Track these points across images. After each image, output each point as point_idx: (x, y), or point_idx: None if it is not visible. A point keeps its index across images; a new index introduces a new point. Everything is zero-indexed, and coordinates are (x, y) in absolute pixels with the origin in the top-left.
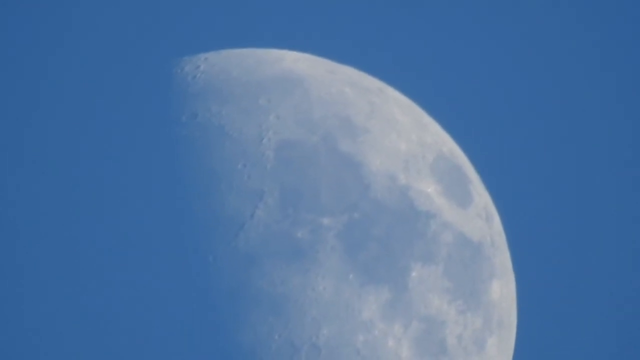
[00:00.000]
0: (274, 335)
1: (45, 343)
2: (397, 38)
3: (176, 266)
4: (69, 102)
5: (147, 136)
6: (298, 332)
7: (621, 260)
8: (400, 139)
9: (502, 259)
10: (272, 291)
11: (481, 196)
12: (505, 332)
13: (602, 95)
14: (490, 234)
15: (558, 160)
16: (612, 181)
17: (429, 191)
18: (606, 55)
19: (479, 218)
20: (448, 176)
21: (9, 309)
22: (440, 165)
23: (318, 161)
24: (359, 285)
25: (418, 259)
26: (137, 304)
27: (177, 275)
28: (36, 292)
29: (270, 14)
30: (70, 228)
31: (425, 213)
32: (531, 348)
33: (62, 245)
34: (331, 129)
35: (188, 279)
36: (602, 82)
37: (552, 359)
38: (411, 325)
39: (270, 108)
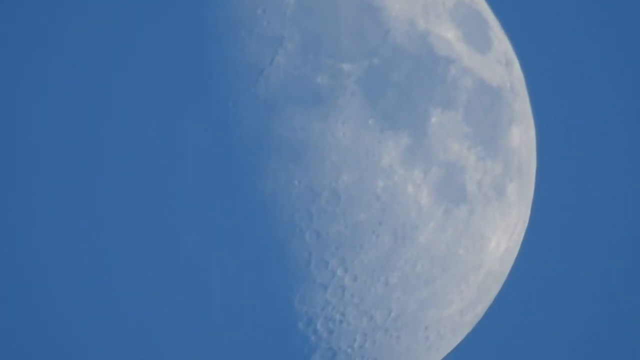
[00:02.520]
0: (293, 182)
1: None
2: None
3: (196, 113)
4: None
5: None
6: (318, 178)
7: None
8: None
9: (522, 105)
10: (292, 137)
11: (501, 42)
12: (524, 179)
13: None
14: (510, 79)
15: (581, 7)
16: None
17: (448, 36)
18: None
19: (498, 64)
20: (468, 22)
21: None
22: (460, 11)
23: (338, 6)
24: (379, 131)
25: (438, 104)
26: (158, 150)
27: (197, 122)
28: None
29: None
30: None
31: (444, 58)
32: (550, 196)
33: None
34: None
35: (208, 126)
36: None
37: (570, 208)
38: (431, 171)
39: None
